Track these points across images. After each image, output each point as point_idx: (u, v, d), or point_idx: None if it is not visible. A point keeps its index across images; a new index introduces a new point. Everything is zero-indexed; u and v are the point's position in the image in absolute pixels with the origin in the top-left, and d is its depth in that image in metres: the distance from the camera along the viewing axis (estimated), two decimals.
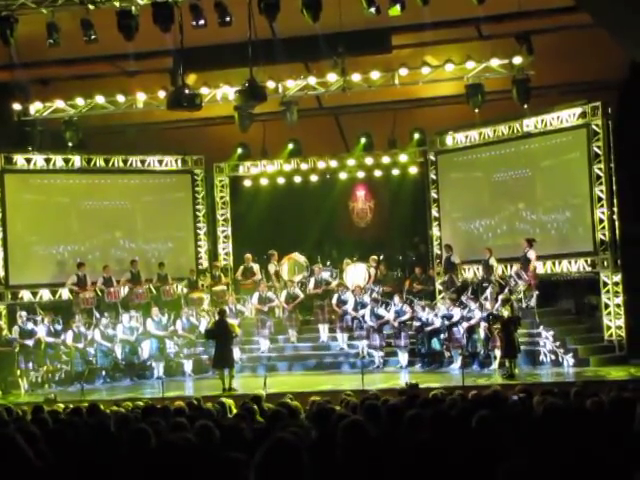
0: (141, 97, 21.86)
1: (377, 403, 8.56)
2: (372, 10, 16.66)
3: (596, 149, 20.29)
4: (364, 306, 21.48)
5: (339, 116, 25.23)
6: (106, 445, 6.69)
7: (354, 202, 27.09)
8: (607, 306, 20.19)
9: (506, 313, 18.70)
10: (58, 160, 23.62)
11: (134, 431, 6.40)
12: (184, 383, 20.76)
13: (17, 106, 22.11)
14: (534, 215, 21.84)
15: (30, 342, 20.56)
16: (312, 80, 21.15)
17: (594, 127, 20.33)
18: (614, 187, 20.16)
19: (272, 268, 24.20)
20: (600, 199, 20.22)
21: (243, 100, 18.22)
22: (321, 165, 24.99)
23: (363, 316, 21.31)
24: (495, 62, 20.14)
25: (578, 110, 20.72)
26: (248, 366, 21.77)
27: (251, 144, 24.77)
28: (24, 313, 21.16)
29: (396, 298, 21.43)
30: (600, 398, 8.53)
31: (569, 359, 19.34)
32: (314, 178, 25.40)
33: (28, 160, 23.30)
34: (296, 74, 21.24)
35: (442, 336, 20.57)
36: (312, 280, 23.06)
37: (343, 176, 25.56)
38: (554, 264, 21.26)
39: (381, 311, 21.23)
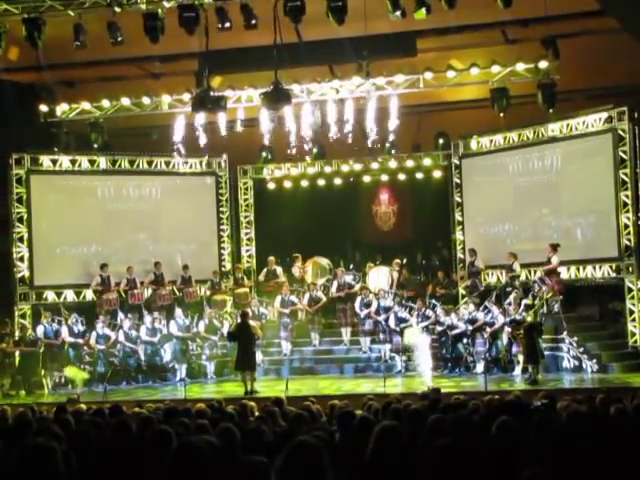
0: (166, 99, 21.95)
1: (399, 407, 8.54)
2: (397, 13, 16.61)
3: (622, 154, 20.16)
4: (387, 310, 21.45)
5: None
6: (128, 446, 6.71)
7: (377, 206, 27.10)
8: (632, 312, 20.06)
9: (529, 319, 18.61)
10: (83, 161, 23.76)
11: (156, 432, 6.41)
12: (206, 385, 20.81)
13: (43, 107, 22.24)
14: (558, 220, 21.72)
15: (54, 342, 20.70)
16: (336, 83, 21.14)
17: (620, 132, 20.21)
18: (639, 192, 20.04)
19: (295, 271, 24.21)
20: (625, 204, 20.10)
21: (268, 103, 18.24)
22: (345, 168, 24.97)
23: (386, 320, 21.28)
24: (521, 66, 20.05)
25: (604, 115, 20.61)
26: (270, 369, 21.80)
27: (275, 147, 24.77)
28: (48, 314, 21.31)
29: (419, 302, 21.41)
30: (624, 405, 8.47)
31: (593, 365, 19.23)
32: (338, 181, 25.40)
33: (54, 161, 23.46)
34: (321, 77, 21.24)
35: (465, 341, 20.52)
36: (335, 283, 23.03)
37: (367, 179, 25.57)
38: (578, 270, 21.15)
39: (404, 315, 21.20)
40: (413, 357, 20.58)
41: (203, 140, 21.04)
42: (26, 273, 22.71)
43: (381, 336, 21.53)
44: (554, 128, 21.68)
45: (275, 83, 17.38)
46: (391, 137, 20.85)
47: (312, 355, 22.42)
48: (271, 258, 24.15)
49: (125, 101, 22.09)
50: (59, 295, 23.10)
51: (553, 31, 19.79)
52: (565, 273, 21.00)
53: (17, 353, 20.70)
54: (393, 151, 21.92)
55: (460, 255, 23.65)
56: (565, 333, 19.87)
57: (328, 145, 23.87)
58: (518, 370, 19.37)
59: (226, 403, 12.01)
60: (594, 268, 20.88)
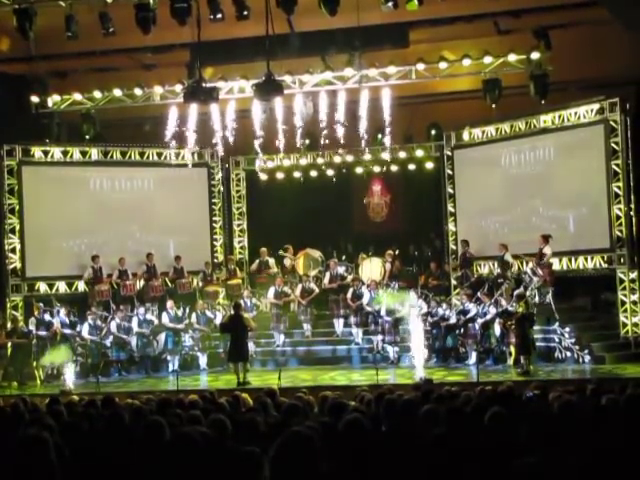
0: (158, 90, 21.90)
1: (392, 398, 8.55)
2: (389, 4, 16.60)
3: (614, 145, 20.17)
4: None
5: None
6: (121, 437, 6.71)
7: (370, 197, 27.13)
8: (623, 303, 20.11)
9: (520, 310, 18.63)
10: (75, 152, 23.68)
11: (149, 424, 6.41)
12: (199, 376, 20.80)
13: (35, 98, 22.18)
14: (550, 211, 21.73)
15: (46, 334, 20.67)
16: (329, 74, 21.11)
17: (612, 123, 20.20)
18: (631, 183, 20.06)
19: (287, 262, 24.20)
20: (617, 195, 20.11)
21: (260, 94, 18.20)
22: (337, 160, 24.93)
23: (378, 311, 21.28)
24: (513, 57, 20.05)
25: (596, 106, 20.60)
26: (262, 360, 21.80)
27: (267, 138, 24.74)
28: (41, 305, 21.27)
29: (411, 293, 21.41)
30: (616, 395, 8.50)
31: (585, 356, 19.27)
32: (330, 173, 25.37)
33: (45, 152, 23.38)
34: (313, 68, 21.21)
35: (457, 332, 20.54)
36: (327, 274, 23.02)
37: (359, 171, 25.54)
38: (570, 261, 21.17)
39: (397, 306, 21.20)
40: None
41: (193, 132, 21.00)
42: (18, 265, 22.66)
43: (373, 327, 21.54)
44: (546, 119, 21.68)
45: (267, 74, 17.34)
46: (383, 128, 20.84)
47: (305, 346, 22.42)
48: (263, 249, 24.12)
49: (117, 92, 22.05)
50: (51, 287, 23.06)
51: (545, 22, 19.83)
52: (557, 264, 21.02)
53: (9, 345, 20.64)
54: (385, 142, 21.88)
55: (452, 246, 23.67)
56: (557, 324, 19.91)
57: (320, 136, 23.90)
58: (510, 361, 19.40)
59: (219, 394, 11.99)
60: (586, 259, 20.91)
